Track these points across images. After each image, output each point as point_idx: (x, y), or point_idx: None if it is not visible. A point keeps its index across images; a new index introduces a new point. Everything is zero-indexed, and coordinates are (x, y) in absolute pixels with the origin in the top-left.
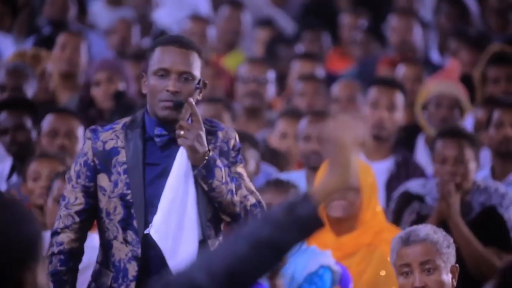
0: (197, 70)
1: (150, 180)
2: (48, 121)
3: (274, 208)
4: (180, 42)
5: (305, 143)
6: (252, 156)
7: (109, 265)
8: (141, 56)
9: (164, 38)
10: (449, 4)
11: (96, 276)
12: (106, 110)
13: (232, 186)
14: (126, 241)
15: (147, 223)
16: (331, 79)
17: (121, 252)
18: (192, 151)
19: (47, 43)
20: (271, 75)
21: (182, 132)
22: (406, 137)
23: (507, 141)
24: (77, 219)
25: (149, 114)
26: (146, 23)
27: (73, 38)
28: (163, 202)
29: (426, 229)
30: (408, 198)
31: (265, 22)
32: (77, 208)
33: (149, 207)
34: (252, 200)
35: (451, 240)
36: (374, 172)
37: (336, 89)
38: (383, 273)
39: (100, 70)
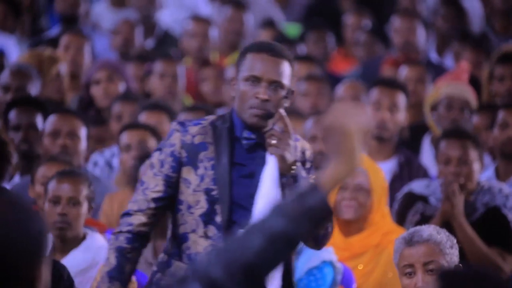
0: (287, 79)
1: (236, 179)
2: (50, 121)
3: (284, 201)
4: (272, 50)
5: (311, 144)
6: None
7: (183, 257)
8: (144, 57)
9: (256, 45)
10: (446, 5)
11: (163, 267)
12: (105, 108)
13: None
14: (206, 235)
15: (230, 220)
16: (334, 80)
17: (199, 246)
18: (282, 160)
19: (51, 44)
20: None
21: (273, 141)
22: (412, 137)
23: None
24: (152, 205)
25: (237, 115)
26: (149, 24)
27: (77, 39)
28: (257, 208)
29: (429, 230)
30: (412, 199)
31: (268, 23)
32: (155, 195)
33: (234, 205)
34: None
35: (455, 241)
36: None
37: (341, 89)
38: (390, 275)
39: (100, 69)
